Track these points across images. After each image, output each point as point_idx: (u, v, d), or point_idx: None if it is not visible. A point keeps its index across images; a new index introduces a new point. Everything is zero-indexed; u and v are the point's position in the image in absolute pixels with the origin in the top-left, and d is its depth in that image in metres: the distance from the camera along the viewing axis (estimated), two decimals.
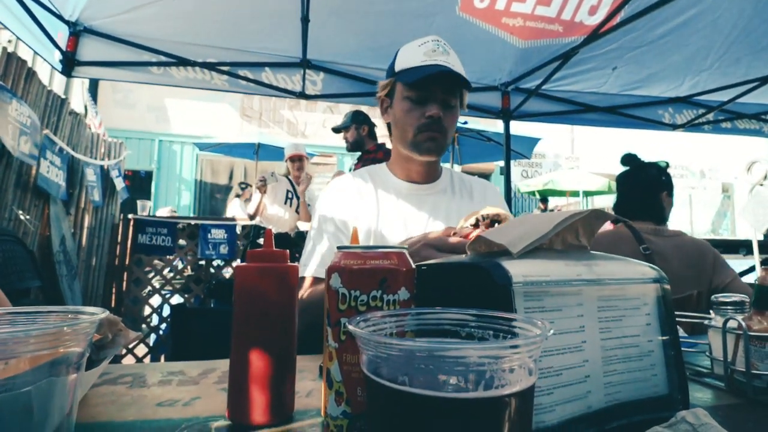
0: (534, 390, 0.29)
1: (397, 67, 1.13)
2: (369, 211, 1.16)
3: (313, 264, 1.13)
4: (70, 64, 2.49)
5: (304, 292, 1.08)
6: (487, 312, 0.37)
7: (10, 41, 5.40)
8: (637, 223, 1.81)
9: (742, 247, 4.12)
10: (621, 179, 1.97)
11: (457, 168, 5.98)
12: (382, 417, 0.29)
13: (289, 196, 3.83)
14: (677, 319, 0.88)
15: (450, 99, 1.10)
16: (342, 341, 0.44)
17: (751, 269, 3.45)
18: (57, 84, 6.85)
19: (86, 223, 3.53)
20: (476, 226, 0.68)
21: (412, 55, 1.10)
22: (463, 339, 0.37)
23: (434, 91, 1.09)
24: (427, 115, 1.08)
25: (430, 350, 0.26)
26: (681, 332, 0.99)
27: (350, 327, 0.30)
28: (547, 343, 0.45)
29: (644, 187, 1.86)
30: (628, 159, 1.96)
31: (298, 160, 3.94)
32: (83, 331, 0.34)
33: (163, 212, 6.06)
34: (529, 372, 0.28)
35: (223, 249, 3.81)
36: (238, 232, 3.89)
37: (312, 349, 0.69)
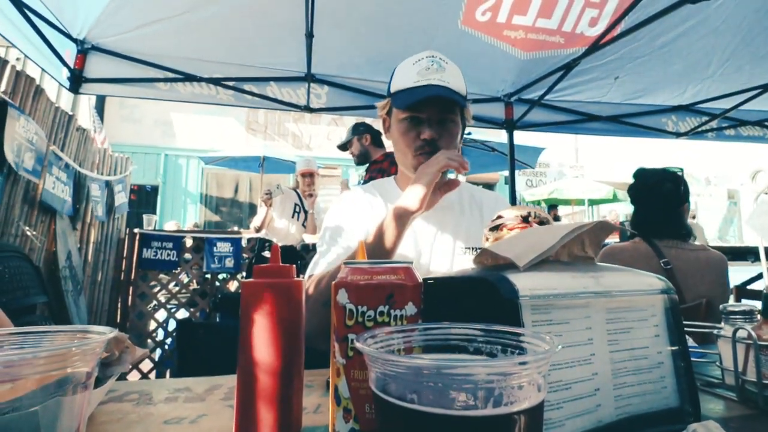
0: (543, 406, 0.29)
1: (393, 88, 1.11)
2: (376, 223, 1.16)
3: (311, 266, 1.11)
4: (77, 81, 2.53)
5: (309, 287, 1.06)
6: (494, 327, 0.37)
7: (18, 59, 5.50)
8: (664, 242, 1.73)
9: (749, 254, 4.09)
10: (636, 195, 1.86)
11: (462, 179, 5.99)
12: None
13: (297, 209, 3.84)
14: (687, 329, 0.87)
15: (447, 116, 1.08)
16: (350, 357, 0.44)
17: (759, 276, 3.42)
18: (64, 100, 6.96)
19: (92, 238, 3.56)
20: (526, 219, 0.66)
21: (406, 75, 1.08)
22: (471, 354, 0.37)
23: (429, 111, 1.06)
24: (421, 138, 1.06)
25: (439, 368, 0.26)
26: (691, 342, 0.98)
27: (358, 344, 0.30)
28: (555, 357, 0.44)
29: (664, 205, 1.76)
30: (643, 174, 1.85)
31: (309, 176, 3.94)
32: (91, 351, 0.34)
33: (169, 226, 6.09)
34: (538, 388, 0.28)
35: (229, 262, 3.82)
36: (244, 245, 3.90)
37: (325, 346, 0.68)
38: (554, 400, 0.43)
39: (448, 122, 1.09)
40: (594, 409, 0.46)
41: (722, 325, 0.75)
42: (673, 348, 0.54)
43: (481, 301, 0.47)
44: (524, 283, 0.45)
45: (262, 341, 0.52)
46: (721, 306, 0.77)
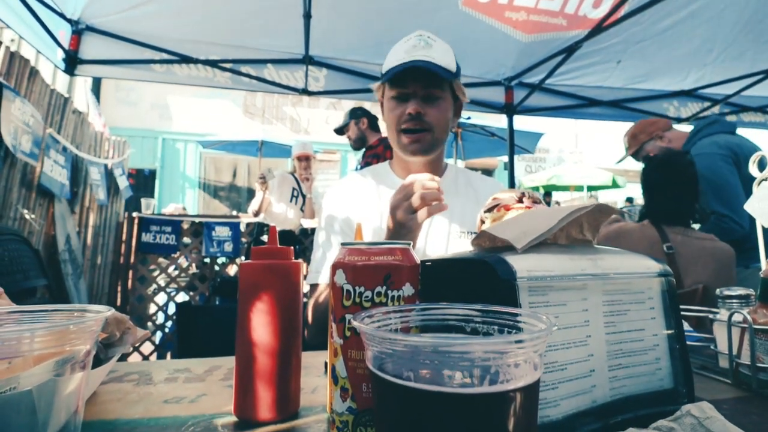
0: (539, 385, 0.29)
1: (384, 68, 1.13)
2: (372, 210, 1.16)
3: (325, 271, 1.13)
4: (72, 62, 2.50)
5: (320, 295, 1.09)
6: (491, 307, 0.37)
7: (12, 40, 5.41)
8: (672, 228, 1.72)
9: None
10: (659, 181, 1.78)
11: (461, 163, 5.97)
12: (388, 413, 0.29)
13: (295, 194, 3.83)
14: (683, 313, 0.88)
15: (433, 92, 1.09)
16: (347, 337, 0.44)
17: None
18: (60, 83, 6.88)
19: (91, 222, 3.55)
20: (521, 200, 0.66)
21: (395, 54, 1.09)
22: (468, 334, 0.37)
23: (414, 86, 1.08)
24: (407, 113, 1.07)
25: (435, 345, 0.26)
26: (687, 326, 0.99)
27: (355, 323, 0.30)
28: (552, 338, 0.45)
29: (691, 189, 1.73)
30: (667, 159, 1.79)
31: (305, 159, 3.92)
32: (89, 330, 0.34)
33: (169, 209, 6.09)
34: (534, 367, 0.28)
35: (228, 246, 3.82)
36: (242, 230, 3.90)
37: (323, 345, 0.70)
38: (550, 381, 0.43)
39: (435, 97, 1.09)
40: (589, 390, 0.47)
41: (718, 309, 0.75)
42: (669, 330, 0.54)
43: (479, 282, 0.47)
44: (522, 264, 0.45)
45: (260, 322, 0.52)
46: (717, 290, 0.77)
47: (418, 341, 0.27)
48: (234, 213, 7.48)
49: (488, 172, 10.97)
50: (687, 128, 3.46)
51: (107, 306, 0.38)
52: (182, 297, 3.84)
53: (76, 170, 3.23)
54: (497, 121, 5.35)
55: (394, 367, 0.27)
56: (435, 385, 0.26)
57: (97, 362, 0.59)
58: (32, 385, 0.33)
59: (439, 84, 1.09)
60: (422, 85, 1.07)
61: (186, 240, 3.80)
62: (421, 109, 1.07)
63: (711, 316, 0.74)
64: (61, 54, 2.44)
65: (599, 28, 2.45)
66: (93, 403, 0.57)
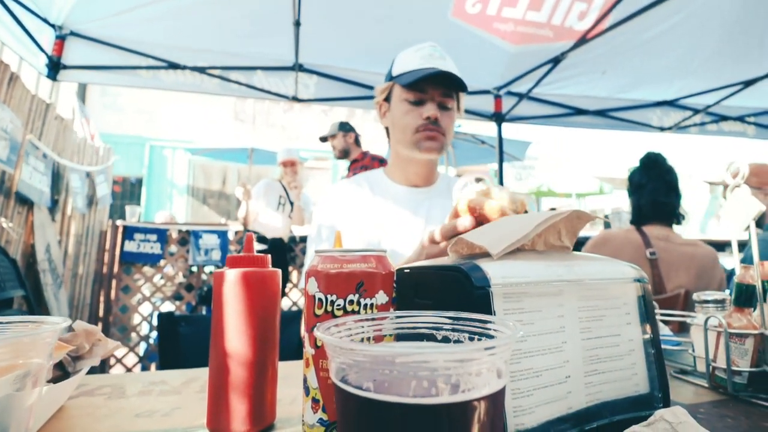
0: (504, 393, 0.29)
1: (395, 72, 1.15)
2: (366, 216, 1.17)
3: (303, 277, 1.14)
4: (56, 68, 2.47)
5: None
6: (462, 315, 0.36)
7: None
8: (656, 227, 1.78)
9: (728, 245, 4.18)
10: (647, 180, 1.84)
11: (452, 171, 6.01)
12: (348, 425, 0.28)
13: (282, 201, 3.82)
14: (663, 318, 0.88)
15: (446, 101, 1.13)
16: (318, 347, 0.43)
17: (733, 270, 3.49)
18: (45, 89, 6.77)
19: (72, 231, 3.49)
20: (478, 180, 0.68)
21: (409, 60, 1.13)
22: (439, 342, 0.37)
23: (431, 93, 1.11)
24: (424, 117, 1.10)
25: (393, 355, 0.25)
26: (667, 330, 1.00)
27: (317, 333, 0.29)
28: (527, 345, 0.44)
29: (671, 189, 1.80)
30: (655, 160, 1.86)
31: (290, 165, 3.93)
32: (44, 341, 0.33)
33: (159, 218, 6.02)
34: (498, 374, 0.27)
35: (215, 255, 3.78)
36: (230, 238, 3.86)
37: None
38: (525, 388, 0.43)
39: (448, 106, 1.13)
40: (564, 396, 0.46)
41: (696, 313, 0.76)
42: (645, 335, 0.54)
43: (454, 289, 0.47)
44: (496, 271, 0.45)
45: (234, 332, 0.51)
46: (694, 295, 0.78)
47: (375, 352, 0.26)
48: (222, 221, 7.41)
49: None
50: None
51: (63, 317, 0.36)
52: (168, 306, 3.78)
53: (58, 177, 3.18)
54: (487, 129, 5.40)
55: (356, 377, 0.27)
56: (395, 395, 0.25)
57: (65, 376, 0.57)
58: None
59: (452, 95, 1.13)
60: (440, 93, 1.11)
61: (172, 249, 3.75)
62: (438, 114, 1.11)
63: (689, 320, 0.75)
64: (44, 59, 2.41)
65: (584, 39, 2.49)
66: (59, 418, 0.55)
